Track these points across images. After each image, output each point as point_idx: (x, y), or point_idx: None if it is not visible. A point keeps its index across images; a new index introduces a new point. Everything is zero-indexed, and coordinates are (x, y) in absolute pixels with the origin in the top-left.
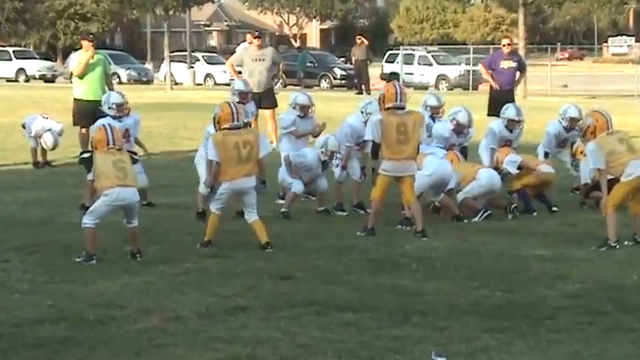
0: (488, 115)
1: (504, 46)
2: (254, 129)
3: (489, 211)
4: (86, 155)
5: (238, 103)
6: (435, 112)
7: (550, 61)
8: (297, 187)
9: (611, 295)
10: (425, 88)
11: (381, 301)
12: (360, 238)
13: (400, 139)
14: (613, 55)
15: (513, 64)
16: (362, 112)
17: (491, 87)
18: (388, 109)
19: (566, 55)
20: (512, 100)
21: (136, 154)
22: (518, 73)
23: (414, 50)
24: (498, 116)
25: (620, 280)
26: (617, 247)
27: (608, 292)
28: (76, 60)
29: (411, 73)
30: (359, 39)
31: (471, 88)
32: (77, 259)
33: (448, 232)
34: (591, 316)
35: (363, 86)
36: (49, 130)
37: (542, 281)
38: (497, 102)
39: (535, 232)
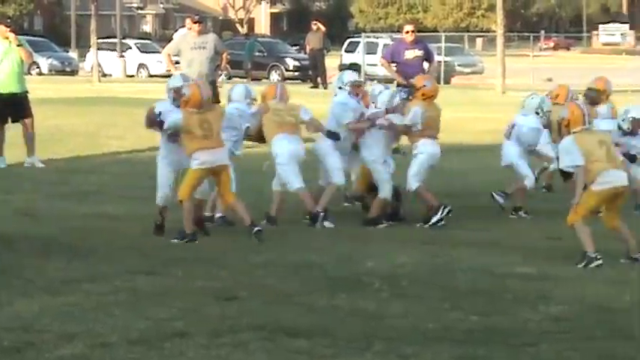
0: None
1: (407, 33)
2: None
3: (449, 208)
4: None
5: (174, 103)
6: None
7: (532, 51)
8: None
9: (600, 319)
10: (390, 81)
11: (339, 326)
12: (316, 253)
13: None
14: (604, 44)
15: (419, 53)
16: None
17: (397, 83)
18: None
19: (551, 45)
20: None
21: None
22: (426, 64)
23: (377, 38)
24: None
25: (610, 301)
26: (599, 257)
27: (597, 316)
28: None
29: (375, 64)
30: (315, 25)
31: (442, 81)
32: None
33: (417, 246)
34: (578, 343)
35: (318, 78)
36: None
37: (523, 303)
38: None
39: (516, 246)
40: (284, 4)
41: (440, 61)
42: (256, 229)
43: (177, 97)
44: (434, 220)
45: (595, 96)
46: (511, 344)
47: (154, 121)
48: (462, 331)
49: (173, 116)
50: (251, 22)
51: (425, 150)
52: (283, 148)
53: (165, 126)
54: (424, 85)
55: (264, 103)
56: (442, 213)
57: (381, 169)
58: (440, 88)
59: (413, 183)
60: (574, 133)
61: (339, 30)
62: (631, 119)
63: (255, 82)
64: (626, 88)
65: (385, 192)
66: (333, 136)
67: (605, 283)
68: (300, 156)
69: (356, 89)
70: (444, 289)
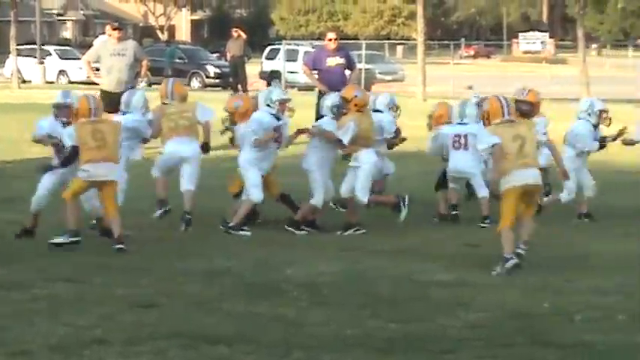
0: None
1: (330, 40)
2: None
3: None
4: None
5: (56, 119)
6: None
7: (453, 59)
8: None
9: (519, 326)
10: (310, 89)
11: (259, 333)
12: (236, 260)
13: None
14: (524, 52)
15: (341, 61)
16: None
17: (319, 91)
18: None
19: (472, 53)
20: None
21: None
22: (348, 72)
23: (298, 45)
24: None
25: (529, 308)
26: (514, 259)
27: (516, 322)
28: None
29: (295, 72)
30: (235, 32)
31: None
32: None
33: (337, 253)
34: (497, 349)
35: (239, 86)
36: None
37: (443, 310)
38: None
39: (436, 253)
40: (205, 11)
41: (361, 69)
42: (118, 246)
43: (58, 113)
44: (402, 215)
45: (528, 109)
46: (430, 351)
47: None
48: (382, 339)
49: (67, 132)
50: (172, 29)
51: (367, 160)
52: (170, 149)
53: (66, 145)
54: (355, 96)
55: (159, 106)
56: (405, 203)
57: (316, 176)
58: None
59: (363, 196)
60: (492, 124)
61: (260, 37)
62: (597, 112)
63: None
64: (548, 96)
65: (317, 200)
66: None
67: (524, 290)
68: (189, 157)
69: (283, 106)
70: (364, 297)
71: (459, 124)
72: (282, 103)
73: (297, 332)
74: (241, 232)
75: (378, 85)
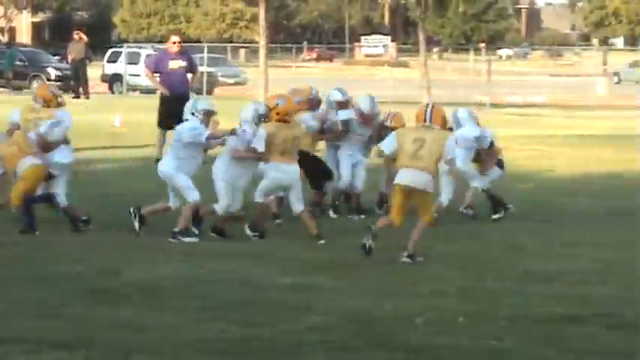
0: (160, 126)
1: (174, 43)
2: None
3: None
4: None
5: None
6: (344, 107)
7: (295, 62)
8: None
9: (361, 329)
10: (152, 92)
11: (99, 337)
12: (78, 264)
13: None
14: (366, 55)
15: (183, 64)
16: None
17: (161, 94)
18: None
19: (314, 56)
20: None
21: None
22: (190, 75)
23: (140, 48)
24: (171, 128)
25: (371, 311)
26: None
27: (357, 325)
28: None
29: (137, 75)
30: (77, 35)
31: (205, 91)
32: None
33: (179, 257)
34: (340, 352)
35: (80, 89)
36: None
37: (284, 313)
38: (171, 109)
39: (278, 257)
40: (46, 14)
41: (203, 72)
42: None
43: None
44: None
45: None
46: (270, 354)
47: None
48: (223, 342)
49: None
50: (12, 31)
51: (269, 175)
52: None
53: None
54: (277, 104)
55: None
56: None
57: (221, 184)
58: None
59: (257, 196)
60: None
61: (102, 40)
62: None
63: (17, 92)
64: (390, 99)
65: (220, 206)
66: None
67: (366, 293)
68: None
69: (207, 118)
70: (204, 300)
71: None
72: (208, 114)
73: (137, 336)
74: (187, 239)
75: (220, 88)
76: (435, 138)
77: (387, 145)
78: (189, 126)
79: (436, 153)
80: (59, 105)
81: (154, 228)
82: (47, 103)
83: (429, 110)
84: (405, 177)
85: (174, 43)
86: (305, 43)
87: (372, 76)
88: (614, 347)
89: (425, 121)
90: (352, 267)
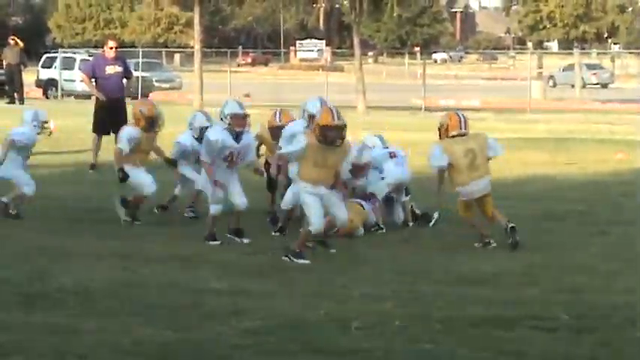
0: (95, 132)
1: (111, 48)
2: None
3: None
4: None
5: None
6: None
7: (230, 66)
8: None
9: (293, 333)
10: (88, 97)
11: (33, 342)
12: (10, 269)
13: None
14: (301, 60)
15: (119, 69)
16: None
17: (97, 99)
18: None
19: (249, 60)
20: (124, 111)
21: None
22: (125, 81)
23: (75, 53)
24: (107, 133)
25: (305, 315)
26: (493, 242)
27: (292, 330)
28: None
29: (72, 80)
30: (12, 40)
31: (140, 96)
32: None
33: (113, 261)
34: (275, 356)
35: (15, 94)
36: None
37: (217, 317)
38: (107, 114)
39: (211, 261)
40: None
41: (138, 77)
42: None
43: None
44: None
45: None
46: (204, 358)
47: None
48: (156, 346)
49: None
50: None
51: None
52: None
53: None
54: (139, 111)
55: None
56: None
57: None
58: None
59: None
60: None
61: (37, 45)
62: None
63: None
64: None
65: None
66: None
67: (299, 298)
68: None
69: (236, 122)
70: (137, 304)
71: None
72: (237, 118)
73: (70, 341)
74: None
75: (155, 93)
76: (479, 144)
77: (438, 158)
78: (212, 137)
79: (486, 156)
80: None
81: (87, 232)
82: None
83: (463, 119)
84: (477, 190)
85: (111, 48)
86: (240, 47)
87: (308, 80)
88: (551, 350)
89: (461, 129)
90: (284, 270)
